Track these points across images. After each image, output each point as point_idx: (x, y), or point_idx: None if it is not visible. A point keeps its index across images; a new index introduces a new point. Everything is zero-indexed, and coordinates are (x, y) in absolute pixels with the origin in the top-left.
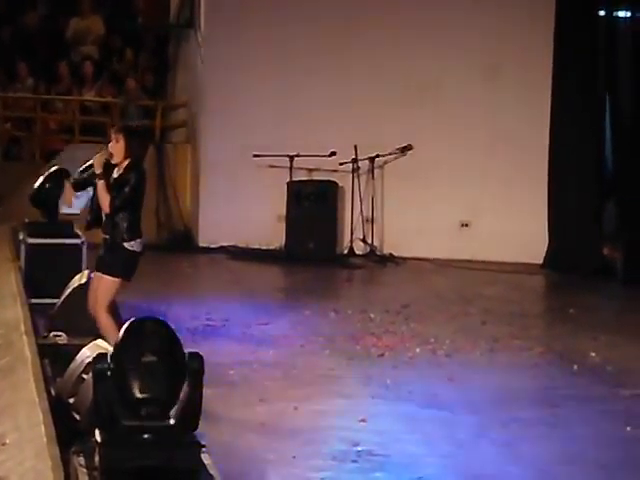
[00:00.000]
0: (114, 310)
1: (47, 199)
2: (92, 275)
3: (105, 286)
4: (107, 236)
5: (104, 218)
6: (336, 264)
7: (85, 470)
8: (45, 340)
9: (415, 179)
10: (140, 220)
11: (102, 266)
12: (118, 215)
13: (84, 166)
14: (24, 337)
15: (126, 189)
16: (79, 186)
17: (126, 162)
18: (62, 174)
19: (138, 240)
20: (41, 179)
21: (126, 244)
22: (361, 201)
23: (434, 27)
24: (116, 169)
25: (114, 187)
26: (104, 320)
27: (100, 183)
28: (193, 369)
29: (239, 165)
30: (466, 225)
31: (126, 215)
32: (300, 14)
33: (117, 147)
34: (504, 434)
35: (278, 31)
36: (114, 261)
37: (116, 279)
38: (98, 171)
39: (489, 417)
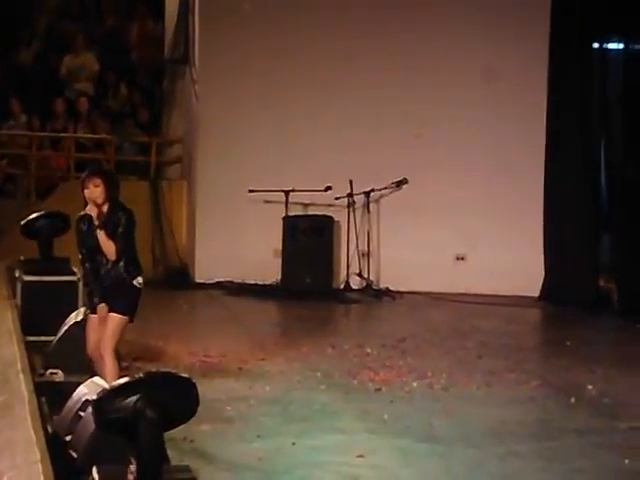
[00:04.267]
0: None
1: (41, 233)
2: (88, 312)
3: (117, 325)
4: (111, 281)
5: (105, 266)
6: (332, 299)
7: None
8: (42, 378)
9: (410, 213)
10: (138, 256)
11: (114, 306)
12: (122, 258)
13: (87, 223)
14: (21, 375)
15: (120, 230)
16: None
17: (107, 205)
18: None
19: (141, 276)
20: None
21: (135, 282)
22: (357, 235)
23: (430, 61)
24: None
25: (109, 230)
26: (111, 362)
27: (101, 233)
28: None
29: (235, 201)
30: (462, 258)
31: (127, 255)
32: (295, 49)
33: (98, 191)
34: (501, 468)
35: (273, 66)
36: (127, 300)
37: (125, 317)
38: (97, 222)
39: (486, 451)
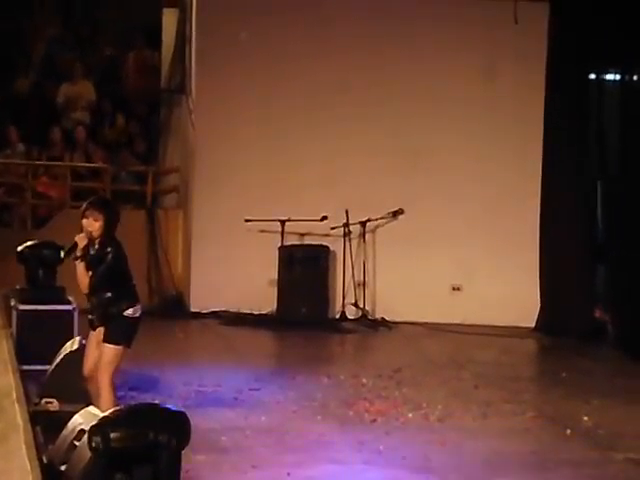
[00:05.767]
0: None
1: (36, 261)
2: (84, 342)
3: (109, 355)
4: (93, 315)
5: (88, 296)
6: (328, 329)
7: None
8: (37, 407)
9: (406, 243)
10: (133, 287)
11: (105, 336)
12: (101, 292)
13: (67, 248)
14: (16, 404)
15: (102, 267)
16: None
17: (99, 239)
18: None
19: (137, 306)
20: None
21: (125, 313)
22: (353, 265)
23: (426, 92)
24: (91, 245)
25: (93, 263)
26: (106, 394)
27: (80, 265)
28: None
29: (230, 230)
30: (458, 289)
31: (109, 290)
32: (291, 79)
33: (96, 226)
34: None
35: (269, 96)
36: (115, 330)
37: (119, 347)
38: (80, 253)
39: None
